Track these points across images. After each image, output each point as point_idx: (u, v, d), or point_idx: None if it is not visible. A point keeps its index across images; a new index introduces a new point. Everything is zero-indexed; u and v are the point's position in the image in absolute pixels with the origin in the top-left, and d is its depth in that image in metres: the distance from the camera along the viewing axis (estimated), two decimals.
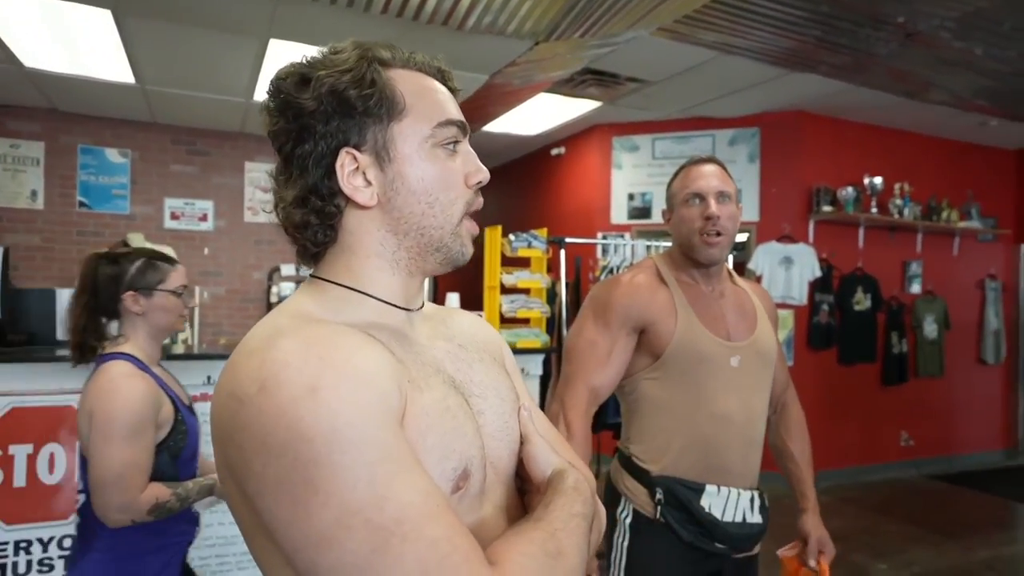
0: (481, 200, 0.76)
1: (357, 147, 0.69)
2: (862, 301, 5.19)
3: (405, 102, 0.70)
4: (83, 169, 5.09)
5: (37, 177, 4.82)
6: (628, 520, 1.51)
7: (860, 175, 5.19)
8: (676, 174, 1.60)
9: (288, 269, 5.38)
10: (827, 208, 5.00)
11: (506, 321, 3.67)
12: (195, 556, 2.53)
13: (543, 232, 3.66)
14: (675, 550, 1.47)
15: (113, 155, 5.20)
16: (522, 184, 6.81)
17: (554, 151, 6.10)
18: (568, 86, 4.46)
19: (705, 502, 1.46)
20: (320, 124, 0.68)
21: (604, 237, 4.88)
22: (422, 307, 0.80)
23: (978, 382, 5.90)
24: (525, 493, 0.79)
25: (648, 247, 4.45)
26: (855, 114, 5.12)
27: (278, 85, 0.70)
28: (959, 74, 4.10)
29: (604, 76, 4.28)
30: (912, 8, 3.16)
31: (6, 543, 2.35)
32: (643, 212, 5.40)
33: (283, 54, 3.62)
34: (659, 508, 1.46)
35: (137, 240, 4.62)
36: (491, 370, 0.81)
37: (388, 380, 0.61)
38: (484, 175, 0.74)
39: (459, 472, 0.66)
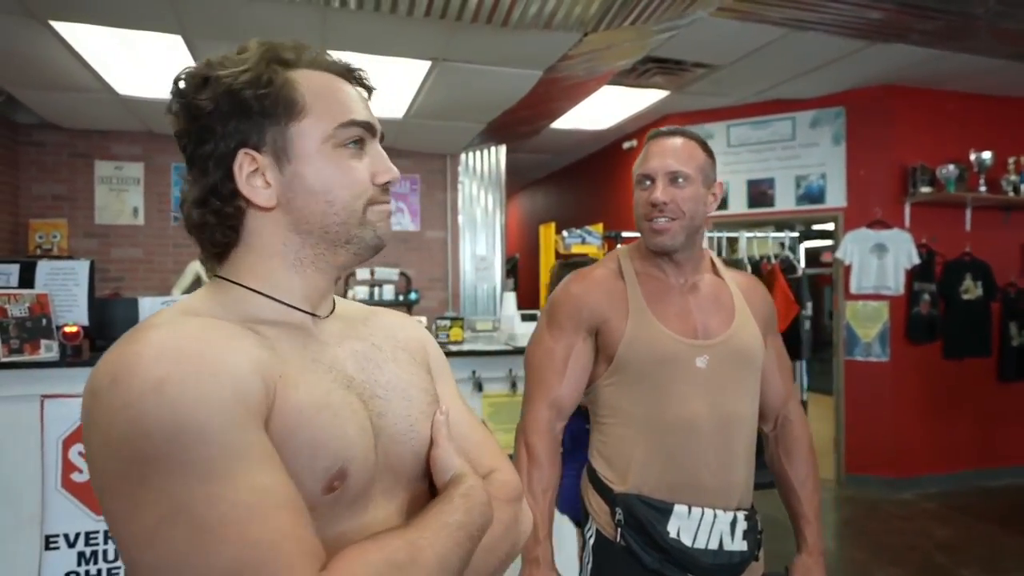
0: (389, 199, 0.75)
1: (256, 148, 0.69)
2: (972, 289, 4.70)
3: (305, 102, 0.69)
4: (176, 186, 5.47)
5: (138, 195, 5.23)
6: (592, 541, 1.35)
7: (964, 151, 4.69)
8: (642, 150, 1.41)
9: (363, 273, 5.53)
10: (925, 189, 4.57)
11: None
12: None
13: (599, 227, 3.56)
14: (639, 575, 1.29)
15: None
16: (597, 180, 6.70)
17: (625, 144, 5.94)
18: (632, 76, 4.33)
19: (673, 525, 1.26)
20: (219, 125, 0.68)
21: None
22: (334, 308, 0.79)
23: None
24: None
25: (719, 239, 4.23)
26: (955, 83, 4.63)
27: (179, 86, 0.69)
28: None
29: (668, 63, 4.12)
30: None
31: (96, 531, 2.53)
32: (720, 203, 5.16)
33: None
34: (619, 529, 1.29)
35: None
36: (404, 371, 0.79)
37: (250, 375, 0.60)
38: (392, 175, 0.74)
39: (333, 472, 0.63)
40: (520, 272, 7.63)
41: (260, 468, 0.56)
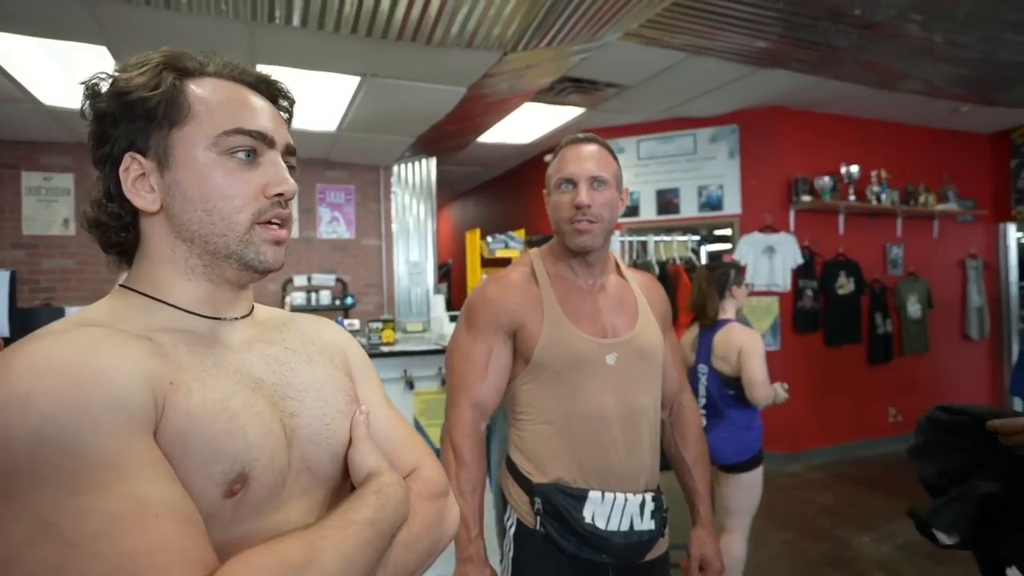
0: (283, 211, 0.68)
1: (142, 152, 0.65)
2: (845, 285, 4.98)
3: (190, 108, 0.65)
4: None
5: (68, 206, 4.81)
6: (513, 530, 1.32)
7: (837, 165, 4.96)
8: (555, 154, 1.36)
9: (300, 280, 5.33)
10: (806, 198, 4.80)
11: None
12: None
13: (521, 233, 3.54)
14: (558, 561, 1.27)
15: None
16: (521, 191, 6.69)
17: (546, 157, 5.93)
18: (551, 94, 4.33)
19: (588, 511, 1.25)
20: (111, 127, 0.64)
21: None
22: (251, 312, 0.73)
23: (963, 357, 5.61)
24: None
25: (631, 243, 4.30)
26: (828, 106, 4.89)
27: (85, 89, 0.66)
28: (929, 63, 3.86)
29: (583, 83, 4.14)
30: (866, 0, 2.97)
31: None
32: (631, 210, 5.23)
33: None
34: (539, 518, 1.27)
35: None
36: (320, 372, 0.74)
37: (134, 383, 0.55)
38: (285, 187, 0.67)
39: (232, 476, 0.58)
40: (453, 276, 7.57)
41: (141, 477, 0.51)
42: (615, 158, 1.35)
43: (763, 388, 2.33)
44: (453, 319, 3.24)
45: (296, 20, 2.70)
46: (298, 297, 5.22)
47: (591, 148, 1.31)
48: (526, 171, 6.51)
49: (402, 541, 0.66)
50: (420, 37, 2.90)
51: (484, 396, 1.29)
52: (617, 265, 1.44)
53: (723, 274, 2.55)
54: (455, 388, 1.31)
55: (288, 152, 0.71)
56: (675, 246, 4.14)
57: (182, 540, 0.50)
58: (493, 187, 7.14)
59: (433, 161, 5.68)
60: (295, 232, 5.61)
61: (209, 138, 0.64)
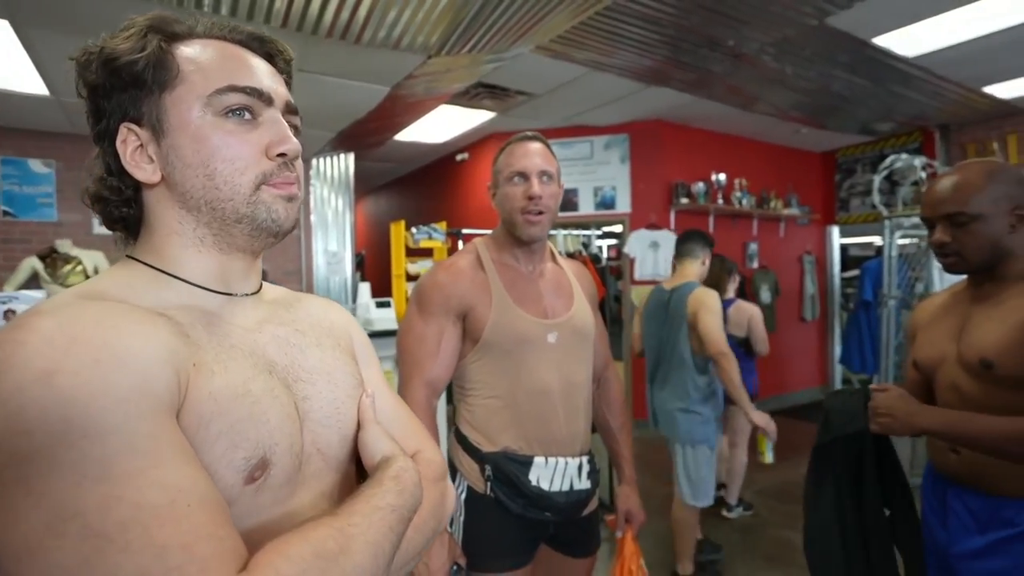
0: (291, 174, 0.60)
1: (136, 121, 0.57)
2: None
3: (179, 69, 0.57)
4: (6, 180, 4.45)
5: None
6: (463, 496, 1.34)
7: (708, 173, 5.37)
8: (501, 150, 1.36)
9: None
10: (684, 200, 5.15)
11: None
12: None
13: (443, 225, 3.53)
14: (506, 521, 1.30)
15: (36, 165, 4.57)
16: (433, 187, 6.64)
17: (459, 157, 5.95)
18: (465, 98, 4.34)
19: (534, 475, 1.28)
20: (104, 100, 0.57)
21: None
22: (259, 289, 0.66)
23: (800, 335, 6.29)
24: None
25: None
26: (703, 122, 5.27)
27: (76, 64, 0.58)
28: (779, 90, 4.29)
29: (496, 89, 4.18)
30: (739, 33, 3.25)
31: None
32: None
33: None
34: (489, 484, 1.29)
35: (65, 246, 4.12)
36: (328, 356, 0.68)
37: (158, 363, 0.48)
38: (289, 146, 0.59)
39: (254, 462, 0.53)
40: (368, 266, 7.36)
41: (169, 464, 0.45)
42: (555, 156, 1.38)
43: (766, 342, 3.21)
44: (380, 305, 3.18)
45: (224, 10, 2.52)
46: None
47: (538, 145, 1.33)
48: (440, 168, 6.46)
49: (414, 524, 0.61)
50: (349, 36, 2.81)
51: (436, 374, 1.28)
52: (552, 254, 1.47)
53: (732, 266, 3.29)
54: (408, 368, 1.28)
55: (290, 111, 0.62)
56: (579, 240, 4.30)
57: (217, 530, 0.44)
58: (411, 181, 7.02)
59: (351, 156, 5.50)
60: None
61: (201, 98, 0.57)
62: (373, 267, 7.07)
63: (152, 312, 0.53)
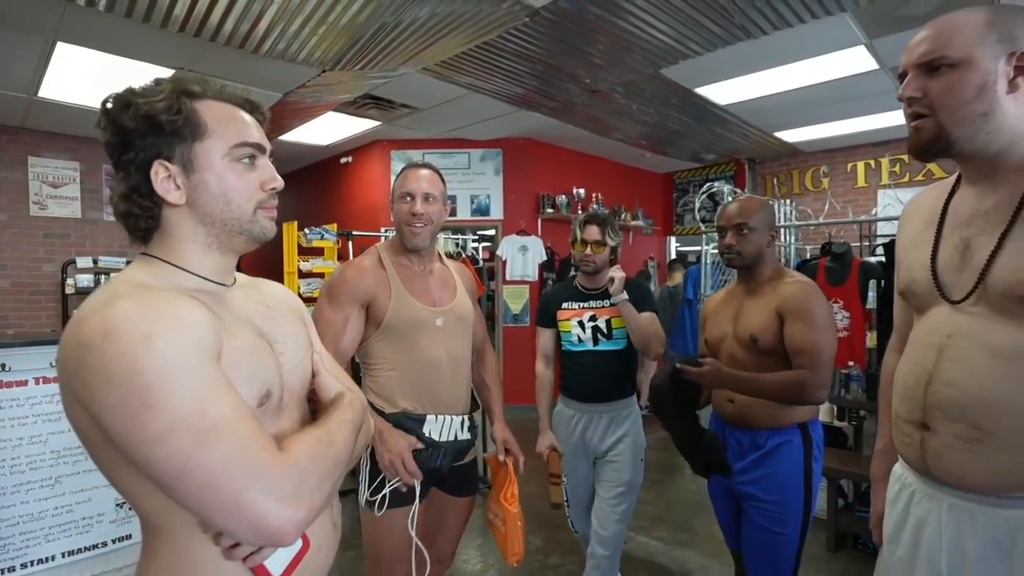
0: (275, 201, 0.82)
1: (168, 159, 0.74)
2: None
3: (208, 126, 0.75)
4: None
5: None
6: (369, 450, 1.54)
7: (571, 187, 5.94)
8: (400, 173, 1.63)
9: (84, 262, 4.58)
10: (549, 210, 5.66)
11: (303, 301, 3.62)
12: None
13: (334, 226, 3.68)
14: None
15: None
16: (317, 186, 6.58)
17: (343, 159, 6.00)
18: (352, 107, 4.48)
19: (427, 428, 1.54)
20: (138, 139, 0.73)
21: (386, 231, 4.95)
22: (235, 280, 0.86)
23: None
24: (316, 413, 0.87)
25: None
26: (567, 143, 5.82)
27: (107, 107, 0.74)
28: (627, 122, 4.95)
29: (382, 101, 4.37)
30: (594, 74, 3.79)
31: None
32: None
33: (72, 57, 3.13)
34: None
35: None
36: (292, 324, 0.89)
37: (207, 329, 0.68)
38: (277, 183, 0.81)
39: (263, 393, 0.75)
40: (251, 261, 7.04)
41: (228, 392, 0.66)
42: (442, 180, 1.63)
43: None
44: None
45: (121, 9, 2.52)
46: (83, 279, 4.50)
47: (426, 172, 1.60)
48: (325, 169, 6.42)
49: (363, 430, 0.86)
50: (248, 46, 2.90)
51: (343, 348, 1.51)
52: (440, 256, 1.73)
53: (644, 274, 3.30)
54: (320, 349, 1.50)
55: (270, 155, 0.83)
56: (458, 243, 4.64)
57: (262, 428, 0.67)
58: (296, 181, 6.85)
59: None
60: (79, 213, 4.82)
61: (224, 149, 0.76)
62: (260, 263, 6.82)
63: (185, 295, 0.71)
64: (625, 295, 1.97)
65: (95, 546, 2.39)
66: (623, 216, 6.55)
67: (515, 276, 5.52)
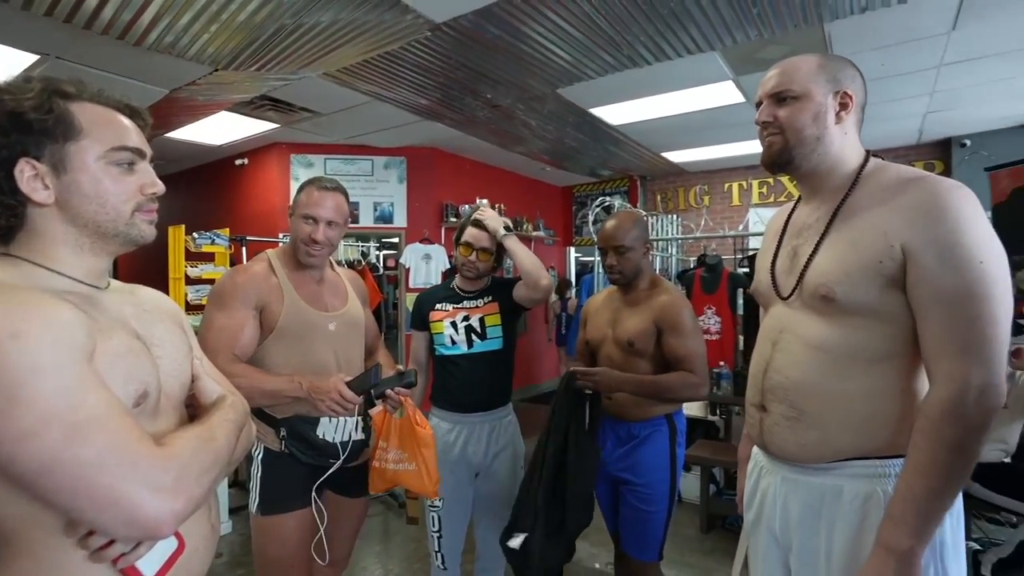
0: (155, 204, 0.83)
1: (37, 158, 0.73)
2: None
3: (82, 128, 0.75)
4: None
5: None
6: (260, 456, 1.56)
7: (474, 197, 6.05)
8: (303, 187, 1.61)
9: None
10: (453, 219, 5.73)
11: (192, 308, 3.44)
12: None
13: (226, 231, 3.52)
14: (299, 471, 1.55)
15: None
16: (208, 188, 6.18)
17: (238, 161, 5.70)
18: (249, 108, 4.29)
19: (320, 430, 1.56)
20: (1, 136, 0.72)
21: (284, 236, 4.81)
22: (109, 284, 0.85)
23: (545, 335, 7.48)
24: (195, 418, 0.87)
25: None
26: (471, 153, 5.95)
27: None
28: (528, 136, 5.16)
29: (281, 104, 4.23)
30: (495, 90, 3.92)
31: None
32: None
33: None
34: (284, 442, 1.54)
35: None
36: (169, 328, 0.90)
37: (79, 328, 0.67)
38: (158, 187, 0.82)
39: (139, 393, 0.75)
40: (130, 266, 6.46)
41: (102, 389, 0.66)
42: (347, 198, 1.63)
43: None
44: None
45: None
46: None
47: (332, 200, 1.58)
48: (219, 170, 6.05)
49: (243, 433, 0.89)
50: (130, 37, 2.72)
51: (240, 352, 1.49)
52: (332, 264, 1.76)
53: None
54: (215, 353, 1.40)
55: (151, 160, 0.83)
56: (359, 250, 4.58)
57: (135, 424, 0.68)
58: (179, 182, 6.36)
59: None
60: None
61: (99, 152, 0.75)
62: (145, 269, 6.26)
63: (55, 295, 0.69)
64: (504, 231, 1.91)
65: None
66: (524, 227, 6.78)
67: (419, 284, 5.53)
